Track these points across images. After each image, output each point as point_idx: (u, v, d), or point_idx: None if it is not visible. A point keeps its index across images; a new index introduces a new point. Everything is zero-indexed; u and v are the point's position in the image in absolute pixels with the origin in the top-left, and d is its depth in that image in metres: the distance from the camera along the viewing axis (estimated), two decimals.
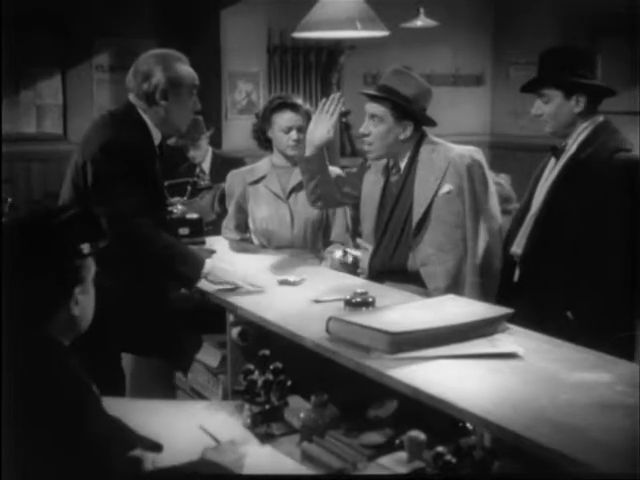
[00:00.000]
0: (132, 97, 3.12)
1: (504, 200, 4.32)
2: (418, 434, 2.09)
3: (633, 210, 2.85)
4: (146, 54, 3.15)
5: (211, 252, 3.57)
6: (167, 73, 3.07)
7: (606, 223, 2.87)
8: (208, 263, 2.98)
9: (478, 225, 3.11)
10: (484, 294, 3.03)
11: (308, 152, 3.34)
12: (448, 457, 1.89)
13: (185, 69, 3.13)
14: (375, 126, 3.20)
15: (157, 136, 3.14)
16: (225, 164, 5.26)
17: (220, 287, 2.97)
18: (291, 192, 3.81)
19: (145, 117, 3.10)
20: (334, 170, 3.89)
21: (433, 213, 3.13)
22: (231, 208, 3.96)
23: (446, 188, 3.12)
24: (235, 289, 2.96)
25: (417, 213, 3.15)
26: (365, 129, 3.23)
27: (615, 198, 2.86)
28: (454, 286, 3.09)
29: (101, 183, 2.96)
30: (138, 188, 2.96)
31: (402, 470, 2.07)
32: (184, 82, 3.11)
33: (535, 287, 3.02)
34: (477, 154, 3.18)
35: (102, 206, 2.90)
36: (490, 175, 3.24)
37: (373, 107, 3.21)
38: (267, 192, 3.84)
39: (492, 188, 3.19)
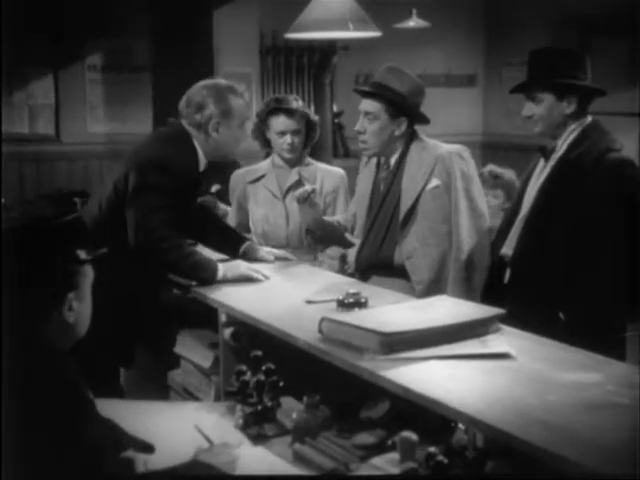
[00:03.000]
0: (185, 123, 3.18)
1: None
2: (410, 435, 2.09)
3: (623, 210, 2.86)
4: (199, 84, 3.22)
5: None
6: (220, 105, 3.14)
7: (597, 223, 2.87)
8: (220, 267, 3.11)
9: (464, 221, 3.13)
10: (468, 290, 3.04)
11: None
12: (440, 457, 1.90)
13: (237, 102, 3.19)
14: (370, 123, 3.22)
15: (203, 162, 3.22)
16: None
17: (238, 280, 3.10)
18: (288, 191, 3.82)
19: (196, 144, 3.17)
20: (339, 171, 3.89)
21: (420, 207, 3.17)
22: (232, 207, 3.98)
23: (433, 183, 3.15)
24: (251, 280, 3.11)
25: (404, 207, 3.18)
26: (360, 127, 3.25)
27: (606, 198, 2.86)
28: (437, 280, 3.12)
29: (139, 191, 3.04)
30: (171, 205, 3.05)
31: (394, 471, 2.07)
32: (236, 114, 3.18)
33: (526, 288, 3.01)
34: (465, 152, 3.21)
35: (134, 211, 2.99)
36: (477, 174, 3.26)
37: (367, 104, 3.23)
38: (265, 191, 3.85)
39: (479, 186, 3.23)
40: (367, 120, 3.23)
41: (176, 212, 3.08)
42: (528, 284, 3.01)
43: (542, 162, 3.10)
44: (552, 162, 3.04)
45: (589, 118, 3.03)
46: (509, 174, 4.43)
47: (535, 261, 3.01)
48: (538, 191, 3.04)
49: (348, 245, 3.54)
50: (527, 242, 3.04)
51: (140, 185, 3.04)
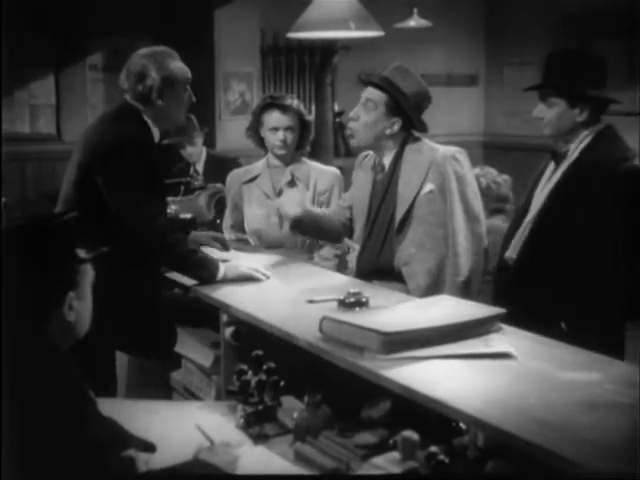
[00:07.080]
0: (128, 98, 3.13)
1: (500, 199, 4.31)
2: (411, 434, 2.09)
3: (635, 221, 2.81)
4: (137, 53, 3.16)
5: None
6: (160, 72, 3.08)
7: (608, 232, 2.82)
8: (221, 266, 3.08)
9: (459, 225, 3.11)
10: (465, 294, 3.01)
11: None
12: (441, 457, 1.90)
13: (177, 65, 3.15)
14: (366, 112, 3.21)
15: (156, 134, 3.16)
16: (219, 165, 5.25)
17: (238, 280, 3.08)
18: (281, 191, 3.81)
19: (144, 116, 3.11)
20: (333, 171, 3.89)
21: (415, 212, 3.15)
22: (228, 207, 3.98)
23: (428, 187, 3.14)
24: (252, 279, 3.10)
25: (400, 212, 3.17)
26: (354, 114, 3.24)
27: (617, 204, 2.81)
28: (434, 285, 3.11)
29: (119, 184, 2.98)
30: (154, 187, 3.02)
31: (396, 470, 2.07)
32: (178, 79, 3.13)
33: (529, 293, 2.96)
34: (460, 154, 3.18)
35: (125, 208, 2.96)
36: (473, 176, 3.24)
37: (370, 92, 3.22)
38: (259, 191, 3.85)
39: (475, 188, 3.19)
40: (364, 108, 3.21)
41: (161, 196, 3.02)
42: (531, 289, 2.96)
43: (552, 166, 3.05)
44: (564, 166, 2.99)
45: (602, 124, 2.98)
46: (505, 177, 4.40)
47: (538, 266, 2.96)
48: (548, 194, 2.99)
49: (335, 239, 3.55)
50: (532, 246, 2.99)
51: (115, 177, 2.97)
